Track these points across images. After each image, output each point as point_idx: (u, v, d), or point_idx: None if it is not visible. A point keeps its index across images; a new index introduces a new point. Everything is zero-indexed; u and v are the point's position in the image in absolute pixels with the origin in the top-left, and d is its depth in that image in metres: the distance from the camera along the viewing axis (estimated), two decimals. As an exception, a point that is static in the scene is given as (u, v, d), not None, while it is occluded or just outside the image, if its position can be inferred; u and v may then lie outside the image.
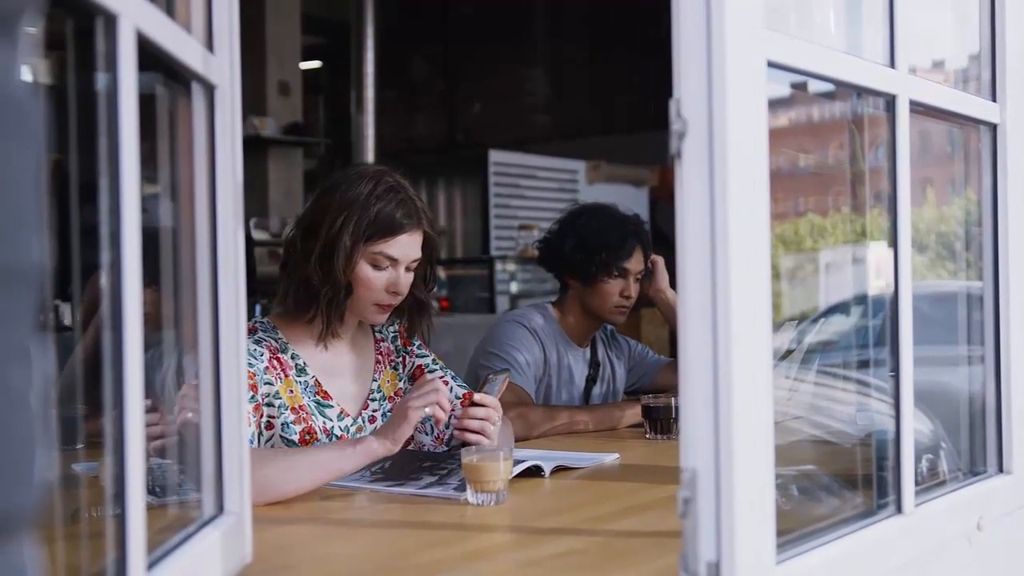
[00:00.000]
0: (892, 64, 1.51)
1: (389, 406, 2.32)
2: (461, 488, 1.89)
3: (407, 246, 2.19)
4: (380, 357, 2.36)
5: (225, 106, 1.36)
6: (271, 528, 1.67)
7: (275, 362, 2.16)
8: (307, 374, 2.21)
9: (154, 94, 1.27)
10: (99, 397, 1.04)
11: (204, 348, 1.36)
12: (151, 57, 1.11)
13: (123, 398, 1.00)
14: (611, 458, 2.34)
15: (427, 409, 1.96)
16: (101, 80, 1.01)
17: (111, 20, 0.99)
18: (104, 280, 1.00)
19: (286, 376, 2.17)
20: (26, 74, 0.57)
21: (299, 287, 2.18)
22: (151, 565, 1.09)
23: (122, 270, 1.00)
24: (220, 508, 1.36)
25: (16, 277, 0.55)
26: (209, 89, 1.34)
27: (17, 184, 0.54)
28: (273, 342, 2.19)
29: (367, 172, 2.22)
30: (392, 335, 2.41)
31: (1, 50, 0.55)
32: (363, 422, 2.27)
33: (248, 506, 1.41)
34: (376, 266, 2.17)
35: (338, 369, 2.27)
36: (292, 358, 2.20)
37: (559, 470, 2.16)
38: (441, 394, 1.99)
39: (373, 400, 2.31)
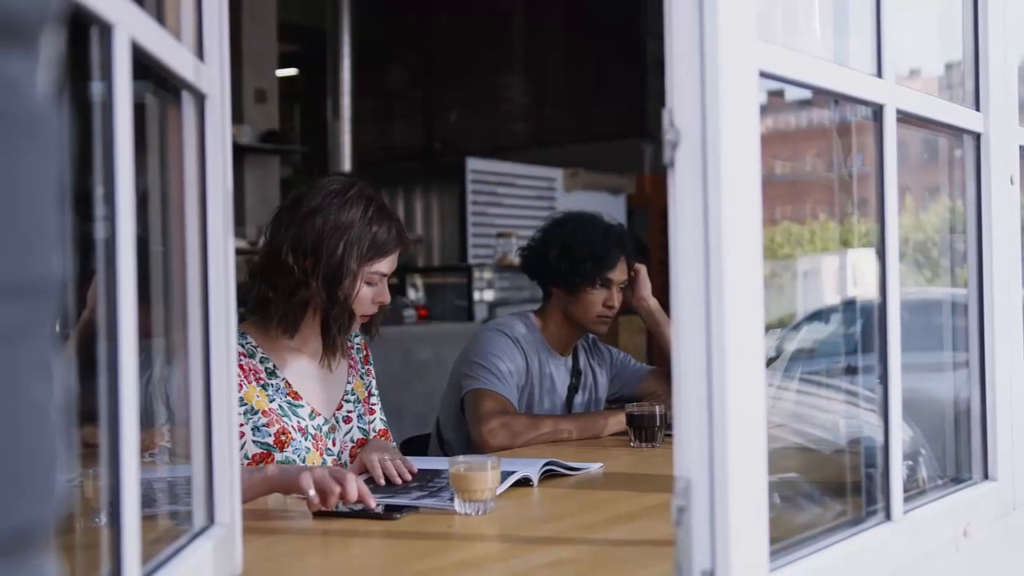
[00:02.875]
0: (879, 74, 1.52)
1: (362, 408, 2.41)
2: (439, 500, 1.89)
3: (395, 261, 2.31)
4: (352, 362, 2.44)
5: (215, 115, 1.35)
6: (261, 539, 1.66)
7: (238, 368, 2.18)
8: (278, 376, 2.26)
9: (143, 103, 1.27)
10: (83, 407, 1.03)
11: (194, 359, 1.35)
12: (142, 66, 1.10)
13: (118, 410, 0.99)
14: (596, 467, 2.34)
15: (311, 492, 1.80)
16: (95, 88, 1.01)
17: (106, 29, 0.98)
18: (100, 290, 1.00)
19: (250, 383, 2.21)
20: (46, 85, 0.57)
21: (300, 308, 2.23)
22: (144, 578, 1.08)
23: (117, 279, 0.99)
24: (211, 519, 1.35)
25: (38, 290, 0.54)
26: (200, 98, 1.33)
27: (39, 197, 0.54)
28: (240, 347, 2.20)
29: (351, 193, 2.26)
30: (357, 347, 2.48)
31: (22, 63, 0.54)
32: (337, 422, 2.34)
33: (239, 517, 1.40)
34: (369, 283, 2.27)
35: (311, 372, 2.33)
36: (261, 362, 2.26)
37: (548, 476, 2.17)
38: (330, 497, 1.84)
39: (348, 401, 2.39)
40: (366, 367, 2.48)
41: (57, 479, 0.56)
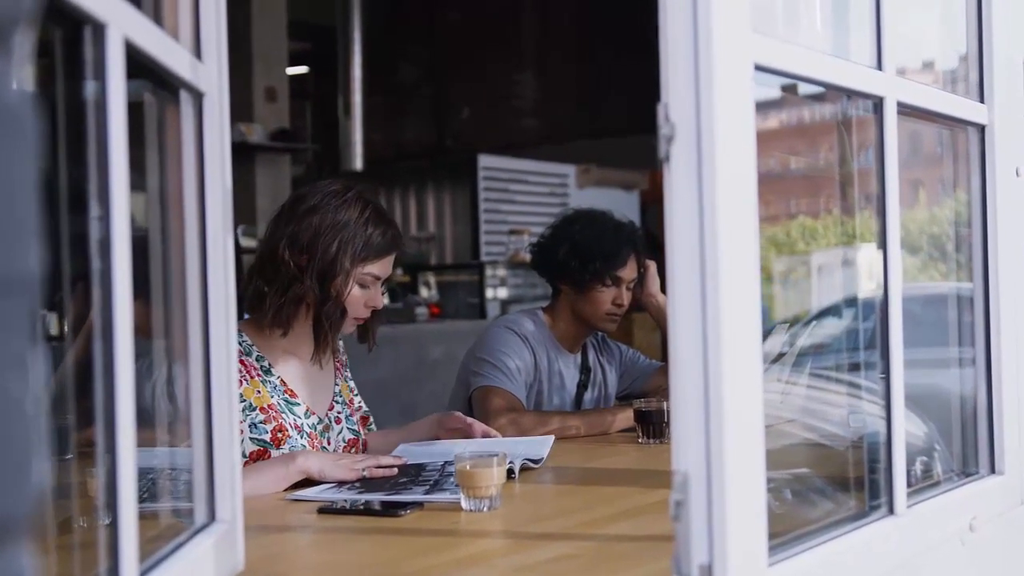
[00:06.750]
0: (879, 66, 1.51)
1: (349, 411, 2.45)
2: (456, 492, 1.89)
3: (390, 265, 2.35)
4: (339, 365, 2.49)
5: (213, 114, 1.36)
6: (263, 536, 1.66)
7: (239, 365, 2.20)
8: (273, 375, 2.30)
9: (141, 102, 1.27)
10: (89, 407, 1.04)
11: (195, 357, 1.36)
12: (138, 65, 1.11)
13: (114, 408, 1.00)
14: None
15: (365, 472, 2.11)
16: (89, 88, 1.01)
17: (99, 29, 0.99)
18: (95, 289, 1.00)
19: (252, 378, 2.25)
20: (21, 83, 0.58)
21: (293, 303, 2.27)
22: (143, 573, 1.09)
23: (112, 279, 1.00)
24: (212, 516, 1.36)
25: (14, 285, 0.55)
26: (197, 97, 1.33)
27: (15, 193, 0.54)
28: (236, 346, 2.22)
29: (349, 195, 2.30)
30: (340, 350, 2.53)
31: (-3, 60, 0.55)
32: (330, 421, 2.38)
33: (240, 514, 1.40)
34: (362, 285, 2.30)
35: (302, 373, 2.36)
36: (257, 360, 2.29)
37: (553, 472, 2.18)
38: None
39: (337, 402, 2.43)
40: (346, 371, 2.53)
41: (34, 472, 0.57)
